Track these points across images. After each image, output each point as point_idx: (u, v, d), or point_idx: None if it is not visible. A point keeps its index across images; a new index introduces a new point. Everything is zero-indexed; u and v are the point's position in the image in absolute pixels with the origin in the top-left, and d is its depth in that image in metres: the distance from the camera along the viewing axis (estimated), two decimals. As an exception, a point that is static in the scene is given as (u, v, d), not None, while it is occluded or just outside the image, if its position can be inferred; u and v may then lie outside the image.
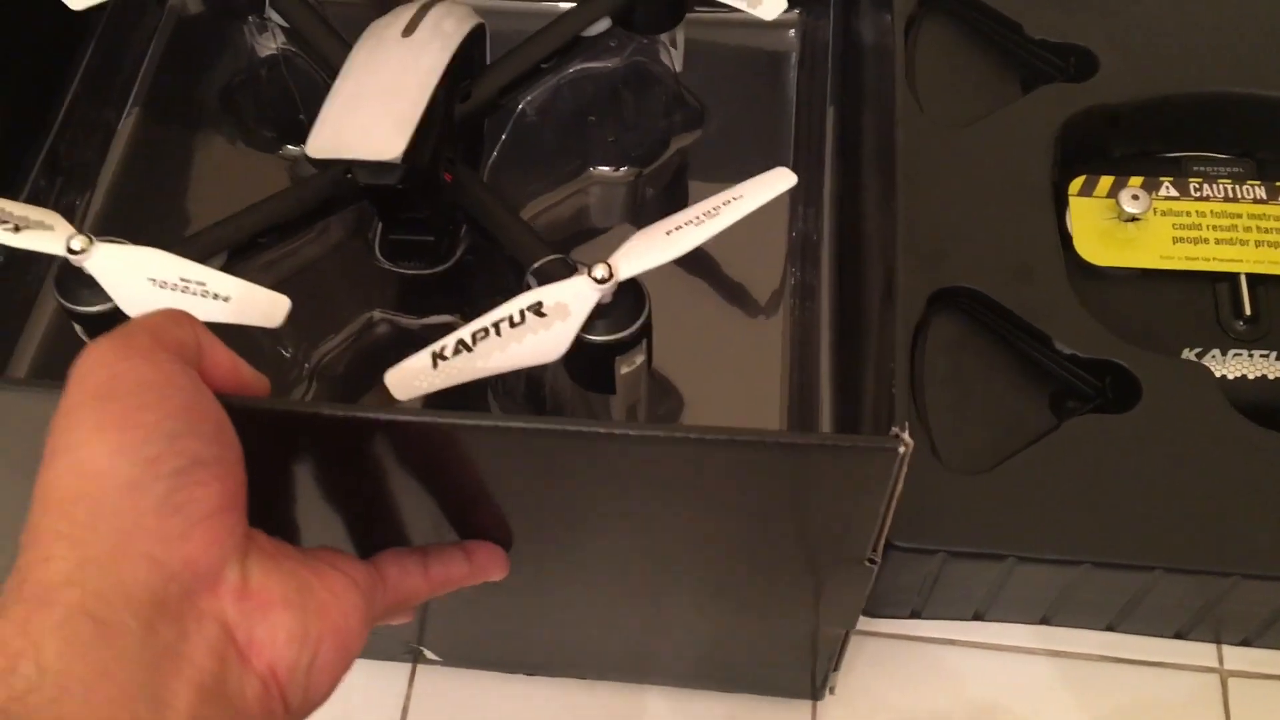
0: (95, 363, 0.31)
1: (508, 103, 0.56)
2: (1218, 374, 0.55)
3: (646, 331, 0.45)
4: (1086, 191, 0.59)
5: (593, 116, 0.61)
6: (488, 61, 0.56)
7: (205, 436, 0.31)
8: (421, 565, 0.38)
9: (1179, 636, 0.55)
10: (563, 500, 0.40)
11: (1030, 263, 0.56)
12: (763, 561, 0.42)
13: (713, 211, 0.44)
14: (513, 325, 0.42)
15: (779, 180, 0.45)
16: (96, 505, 0.30)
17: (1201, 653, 0.55)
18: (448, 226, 0.54)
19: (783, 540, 0.41)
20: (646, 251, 0.43)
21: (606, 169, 0.60)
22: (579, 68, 0.60)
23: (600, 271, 0.42)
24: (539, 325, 0.42)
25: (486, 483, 0.39)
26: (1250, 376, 0.55)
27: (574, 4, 0.56)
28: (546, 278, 0.46)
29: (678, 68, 0.61)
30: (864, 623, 0.56)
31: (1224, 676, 0.55)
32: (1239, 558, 0.50)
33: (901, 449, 0.34)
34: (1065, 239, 0.58)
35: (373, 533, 0.42)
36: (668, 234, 0.43)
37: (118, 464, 0.30)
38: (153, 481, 0.30)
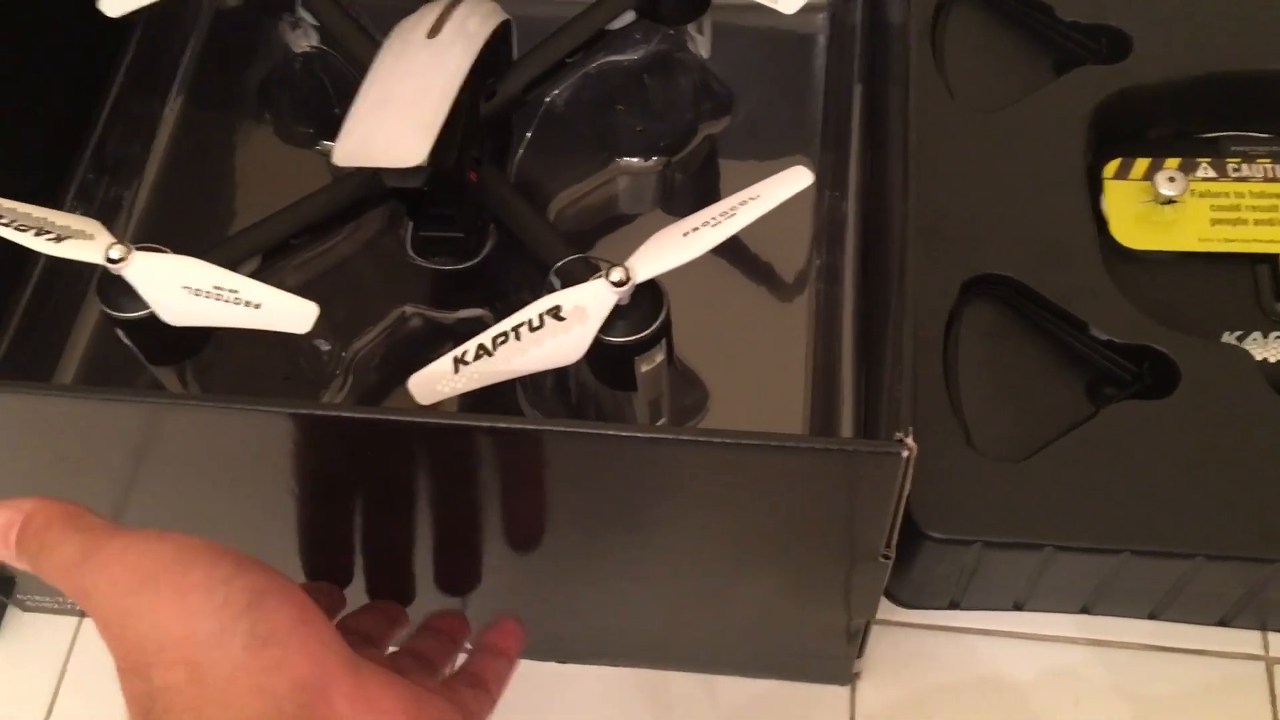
0: (100, 566, 0.33)
1: (534, 98, 0.57)
2: (1259, 357, 0.55)
3: (665, 331, 0.46)
4: (1122, 174, 0.59)
5: (621, 106, 0.62)
6: (514, 56, 0.57)
7: (250, 569, 0.34)
8: (487, 693, 0.41)
9: (1223, 624, 0.56)
10: (587, 497, 0.42)
11: (1065, 248, 0.56)
12: (779, 555, 0.44)
13: (730, 212, 0.45)
14: (532, 329, 0.43)
15: (796, 179, 0.46)
16: (194, 663, 0.32)
17: (1247, 640, 0.56)
18: (476, 223, 0.56)
19: (795, 536, 0.42)
20: (663, 253, 0.44)
21: (635, 159, 0.61)
22: (605, 60, 0.61)
23: (617, 274, 0.44)
24: (558, 328, 0.43)
25: (515, 482, 0.41)
26: (1293, 360, 0.55)
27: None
28: (568, 278, 0.48)
29: (705, 55, 0.61)
30: (903, 614, 0.57)
31: (1269, 664, 0.55)
32: (1280, 544, 0.50)
33: (905, 454, 0.35)
34: (1101, 223, 0.58)
35: (402, 541, 0.44)
36: (685, 235, 0.45)
37: (195, 625, 0.32)
38: (232, 622, 0.32)
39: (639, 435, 0.36)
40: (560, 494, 0.42)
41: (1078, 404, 0.55)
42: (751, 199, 0.46)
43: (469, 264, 0.56)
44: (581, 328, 0.44)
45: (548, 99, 0.61)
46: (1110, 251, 0.57)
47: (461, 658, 0.43)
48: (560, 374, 0.54)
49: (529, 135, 0.61)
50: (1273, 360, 0.55)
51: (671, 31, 0.60)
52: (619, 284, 0.44)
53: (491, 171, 0.53)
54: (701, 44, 0.61)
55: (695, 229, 0.45)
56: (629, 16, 0.57)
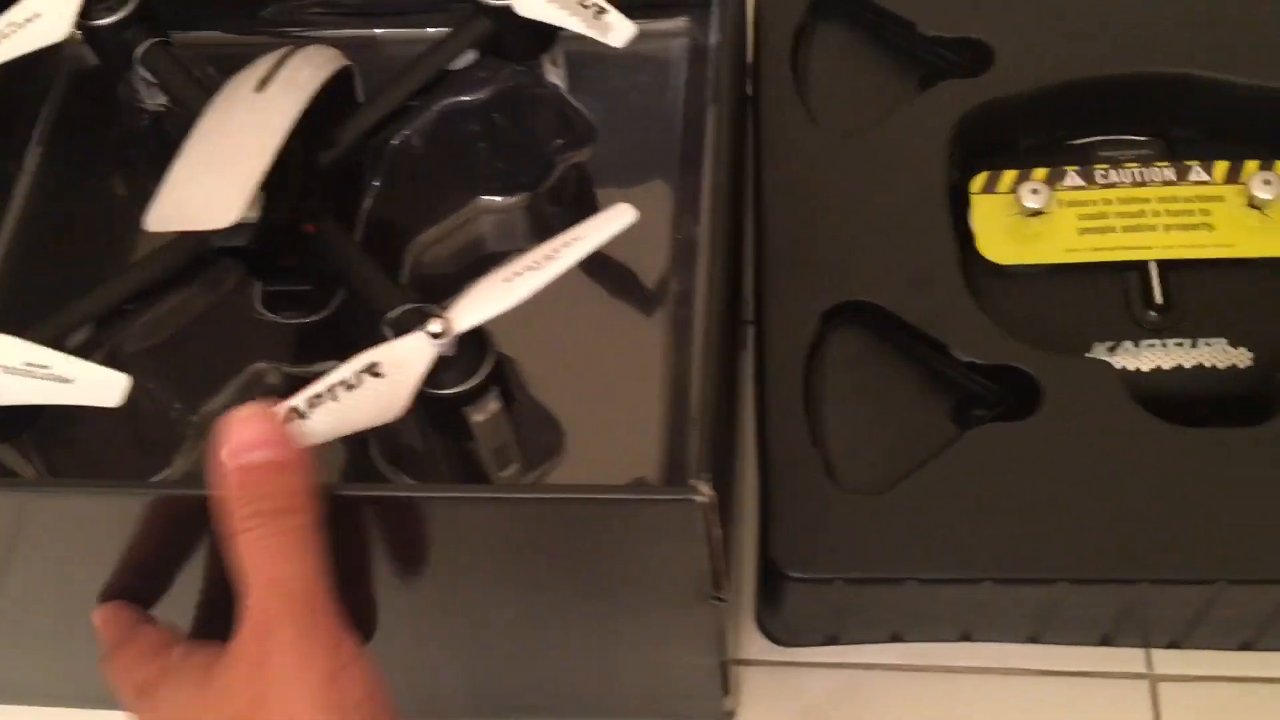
0: (311, 665, 0.38)
1: (379, 144, 0.58)
2: (1131, 368, 0.56)
3: (496, 379, 0.47)
4: (989, 188, 0.60)
5: (482, 144, 0.64)
6: (360, 100, 0.59)
7: None
8: None
9: (1105, 643, 0.57)
10: (402, 555, 0.43)
11: (926, 269, 0.57)
12: (614, 599, 0.45)
13: (552, 254, 0.46)
14: (349, 389, 0.44)
15: (618, 217, 0.47)
16: None
17: (1130, 659, 0.57)
18: (324, 275, 0.57)
19: (621, 581, 0.43)
20: (485, 301, 0.45)
21: (496, 197, 0.62)
22: (454, 100, 0.62)
23: (436, 326, 0.45)
24: (379, 385, 0.45)
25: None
26: (1165, 367, 0.57)
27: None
28: (400, 328, 0.49)
29: (562, 85, 0.63)
30: (780, 652, 0.58)
31: (1154, 682, 0.56)
32: (1145, 563, 0.51)
33: (699, 499, 0.36)
34: (967, 240, 0.59)
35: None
36: (506, 281, 0.46)
37: None
38: None
39: (410, 495, 0.37)
40: (386, 554, 0.43)
41: (944, 430, 0.55)
42: (575, 240, 0.47)
43: (320, 316, 0.57)
44: (401, 383, 0.45)
45: (397, 141, 0.62)
46: (978, 268, 0.59)
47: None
48: (407, 424, 0.55)
49: (379, 182, 0.62)
50: (1146, 369, 0.57)
51: (521, 67, 0.62)
52: (438, 336, 0.45)
53: (329, 222, 0.54)
54: (557, 75, 0.62)
55: (518, 274, 0.46)
56: (471, 56, 0.58)
